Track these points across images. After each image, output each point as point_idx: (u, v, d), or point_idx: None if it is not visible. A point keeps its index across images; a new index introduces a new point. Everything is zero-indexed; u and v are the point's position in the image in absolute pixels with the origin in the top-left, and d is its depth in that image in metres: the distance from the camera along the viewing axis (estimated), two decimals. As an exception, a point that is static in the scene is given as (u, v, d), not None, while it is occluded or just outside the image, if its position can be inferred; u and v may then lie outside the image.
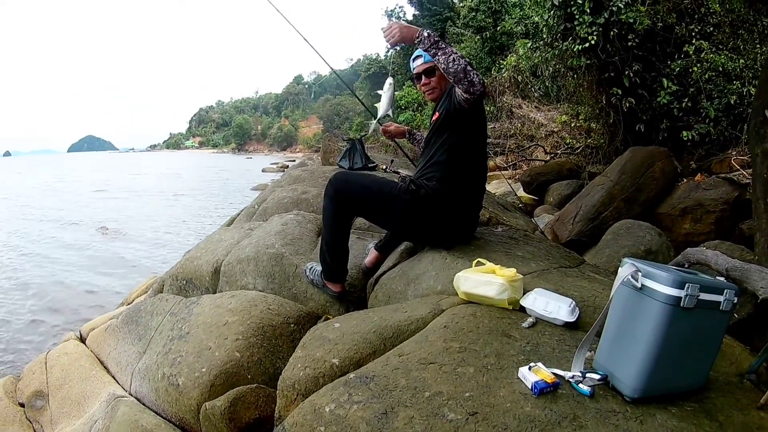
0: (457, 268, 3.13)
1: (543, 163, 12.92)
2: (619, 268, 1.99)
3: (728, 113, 8.51)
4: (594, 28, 8.79)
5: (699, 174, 7.93)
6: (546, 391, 1.89)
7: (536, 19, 10.60)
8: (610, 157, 9.71)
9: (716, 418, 1.90)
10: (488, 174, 4.04)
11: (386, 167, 6.54)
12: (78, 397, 3.76)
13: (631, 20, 8.66)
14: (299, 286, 4.03)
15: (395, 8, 48.81)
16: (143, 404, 3.37)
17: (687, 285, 1.80)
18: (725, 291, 1.91)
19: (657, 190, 7.36)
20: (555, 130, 14.99)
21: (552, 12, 9.32)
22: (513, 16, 24.36)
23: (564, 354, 2.20)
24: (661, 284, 1.83)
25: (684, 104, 8.73)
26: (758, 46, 8.35)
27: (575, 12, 8.86)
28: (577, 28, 8.90)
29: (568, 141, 13.51)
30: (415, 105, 24.02)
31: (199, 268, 4.68)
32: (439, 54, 3.10)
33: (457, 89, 3.18)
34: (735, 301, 1.94)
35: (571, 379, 1.96)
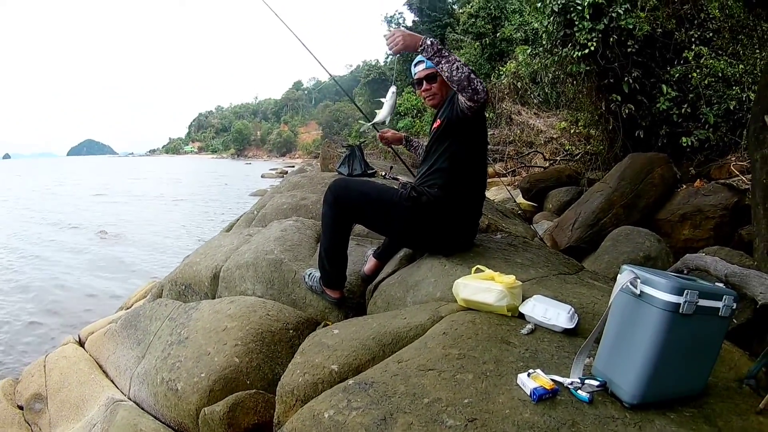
0: (456, 274, 3.14)
1: (542, 169, 12.93)
2: (618, 275, 2.00)
3: (727, 119, 8.51)
4: (593, 35, 8.80)
5: (698, 180, 7.93)
6: (545, 397, 1.89)
7: (536, 25, 10.61)
8: (610, 164, 9.70)
9: (715, 423, 1.90)
10: (487, 181, 4.03)
11: (385, 174, 6.55)
12: (77, 401, 3.75)
13: (631, 26, 8.67)
14: (298, 292, 4.04)
15: (395, 14, 48.94)
16: (142, 408, 3.37)
17: (686, 291, 1.80)
18: (724, 297, 1.92)
19: (656, 196, 7.36)
20: (554, 136, 15.01)
21: (551, 18, 9.33)
22: (512, 23, 24.47)
23: (563, 360, 2.20)
24: (660, 291, 1.83)
25: (683, 110, 8.73)
26: (758, 51, 8.36)
27: (575, 18, 8.87)
28: (577, 34, 8.91)
29: (567, 147, 13.52)
30: (415, 111, 24.08)
31: (198, 273, 4.68)
32: (442, 62, 3.10)
33: (460, 97, 3.18)
34: (734, 307, 1.95)
35: (569, 386, 1.96)
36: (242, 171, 64.75)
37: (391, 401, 1.98)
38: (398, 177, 6.63)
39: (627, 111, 9.02)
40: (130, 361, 3.80)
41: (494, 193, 12.12)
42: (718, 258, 4.12)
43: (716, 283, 2.14)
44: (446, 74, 3.11)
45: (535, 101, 17.80)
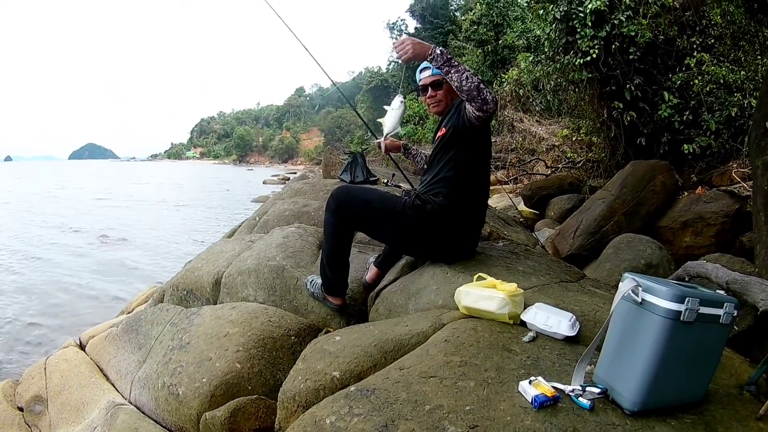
0: (458, 282, 3.14)
1: (544, 177, 12.91)
2: (620, 283, 2.00)
3: (729, 126, 8.50)
4: (595, 42, 8.80)
5: (700, 187, 7.93)
6: (546, 404, 1.89)
7: (538, 32, 10.61)
8: (611, 171, 9.68)
9: (715, 429, 1.91)
10: (490, 188, 4.04)
11: (388, 181, 6.56)
12: (77, 404, 3.76)
13: (633, 33, 8.66)
14: (300, 298, 4.04)
15: (397, 21, 49.01)
16: (143, 413, 3.38)
17: (687, 299, 1.81)
18: (725, 304, 1.93)
19: (658, 203, 7.36)
20: (556, 144, 14.98)
21: (554, 25, 9.34)
22: (515, 30, 24.44)
23: (564, 368, 2.21)
24: (662, 299, 1.84)
25: (685, 117, 8.72)
26: (759, 57, 8.35)
27: (577, 25, 8.87)
28: (579, 41, 8.91)
29: (569, 155, 13.49)
30: (417, 118, 24.10)
31: (199, 278, 4.68)
32: (452, 72, 3.10)
33: (468, 107, 3.17)
34: (735, 314, 1.95)
35: (571, 393, 1.96)
36: (244, 177, 64.82)
37: (393, 408, 1.98)
38: (401, 184, 6.64)
39: (629, 118, 9.02)
40: (131, 365, 3.81)
41: (496, 201, 12.11)
42: (719, 265, 4.13)
43: (717, 291, 2.14)
44: (455, 84, 3.10)
45: (537, 108, 17.78)
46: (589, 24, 8.72)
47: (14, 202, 31.58)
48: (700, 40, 9.02)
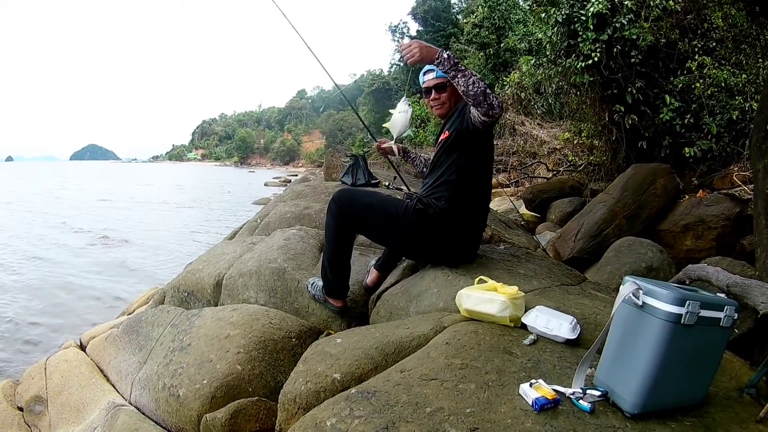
0: (459, 285, 3.14)
1: (545, 180, 12.90)
2: (621, 286, 2.01)
3: (730, 129, 8.49)
4: (597, 45, 8.80)
5: (701, 190, 7.92)
6: (546, 407, 1.90)
7: (540, 35, 10.61)
8: (613, 175, 9.68)
9: (715, 432, 1.91)
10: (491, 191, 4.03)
11: (389, 184, 6.57)
12: (77, 404, 3.77)
13: (635, 36, 8.66)
14: (301, 300, 4.04)
15: (399, 23, 49.04)
16: (143, 414, 3.38)
17: (687, 302, 1.81)
18: (725, 307, 1.93)
19: (659, 207, 7.36)
20: (557, 147, 14.97)
21: (555, 29, 9.34)
22: (516, 33, 24.45)
23: (565, 371, 2.21)
24: (662, 302, 1.84)
25: (686, 120, 8.71)
26: (760, 60, 8.34)
27: (578, 29, 8.88)
28: (581, 44, 8.91)
29: (570, 158, 13.48)
30: (418, 121, 24.11)
31: (200, 280, 4.69)
32: (458, 76, 3.10)
33: (474, 111, 3.17)
34: (735, 317, 1.96)
35: (571, 396, 1.97)
36: (245, 179, 64.83)
37: (394, 410, 1.98)
38: (402, 187, 6.65)
39: (630, 122, 9.02)
40: (132, 366, 3.82)
41: (497, 204, 12.10)
42: (719, 268, 4.13)
43: (718, 294, 2.14)
44: (462, 88, 3.10)
45: (538, 112, 17.78)
46: (591, 27, 8.73)
47: (16, 202, 31.57)
48: (702, 43, 9.02)
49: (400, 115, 3.82)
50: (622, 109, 9.02)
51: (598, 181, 10.86)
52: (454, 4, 47.73)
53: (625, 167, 8.63)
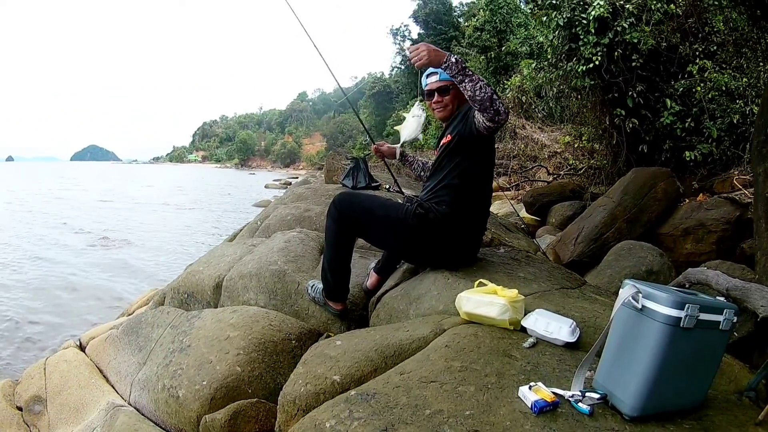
0: (459, 288, 3.14)
1: (545, 183, 12.94)
2: (620, 290, 2.01)
3: (731, 133, 8.50)
4: (598, 49, 8.82)
5: (701, 194, 7.94)
6: (546, 409, 1.90)
7: (541, 39, 10.65)
8: (613, 178, 9.70)
9: (714, 435, 1.91)
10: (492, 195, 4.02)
11: (390, 187, 6.57)
12: (76, 404, 3.77)
13: (636, 40, 8.68)
14: (301, 303, 4.04)
15: (401, 26, 49.04)
16: (142, 414, 3.38)
17: (687, 306, 1.81)
18: (725, 311, 1.93)
19: (659, 210, 7.37)
20: (558, 150, 14.98)
21: (557, 32, 9.36)
22: (518, 36, 24.48)
23: (564, 374, 2.21)
24: (662, 305, 1.84)
25: (687, 124, 8.73)
26: (761, 64, 8.34)
27: (580, 32, 8.89)
28: (582, 48, 8.93)
29: (571, 162, 13.48)
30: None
31: (200, 282, 4.69)
32: (466, 81, 3.08)
33: (480, 116, 3.16)
34: (734, 321, 1.96)
35: (570, 398, 1.97)
36: (246, 181, 64.87)
37: (393, 412, 1.98)
38: (402, 190, 6.65)
39: (631, 125, 9.04)
40: (131, 367, 3.82)
41: (497, 207, 12.11)
42: (719, 272, 4.14)
43: (717, 297, 2.14)
44: (469, 93, 3.09)
45: (539, 115, 17.78)
46: (592, 31, 8.75)
47: (17, 202, 31.64)
48: (703, 47, 9.04)
49: (413, 119, 3.80)
50: (623, 112, 9.04)
51: (598, 184, 10.87)
52: (456, 7, 47.77)
53: (626, 171, 8.65)
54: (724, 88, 8.54)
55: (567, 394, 1.99)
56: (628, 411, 1.90)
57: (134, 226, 20.74)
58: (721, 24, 8.77)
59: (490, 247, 4.61)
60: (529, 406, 1.93)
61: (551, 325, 2.55)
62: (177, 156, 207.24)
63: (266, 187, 47.81)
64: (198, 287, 4.67)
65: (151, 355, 3.75)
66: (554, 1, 9.30)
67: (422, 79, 3.82)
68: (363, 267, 4.39)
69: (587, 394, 1.97)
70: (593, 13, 8.65)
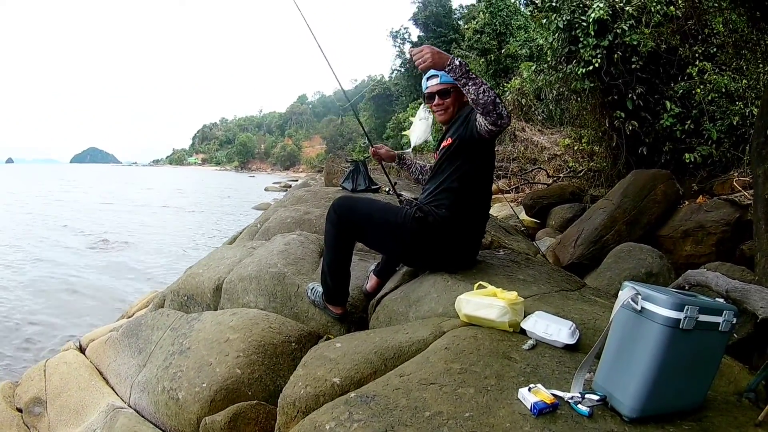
0: (458, 290, 3.14)
1: (545, 186, 12.93)
2: (620, 291, 2.01)
3: (730, 134, 8.50)
4: (598, 51, 8.82)
5: (701, 196, 7.94)
6: (545, 411, 1.90)
7: (541, 41, 10.64)
8: (613, 181, 9.69)
9: (713, 436, 1.91)
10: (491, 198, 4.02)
11: (389, 189, 6.57)
12: (76, 406, 3.77)
13: (635, 42, 8.68)
14: (301, 305, 4.04)
15: (400, 29, 49.05)
16: (142, 416, 3.38)
17: (686, 307, 1.81)
18: (724, 312, 1.94)
19: (659, 212, 7.37)
20: (558, 153, 14.99)
21: (557, 35, 9.36)
22: (518, 39, 24.51)
23: (564, 375, 2.21)
24: (661, 307, 1.84)
25: (687, 126, 8.73)
26: (761, 66, 8.33)
27: (580, 35, 8.90)
28: (582, 50, 8.93)
29: (570, 164, 13.49)
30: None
31: (200, 284, 4.69)
32: (469, 84, 3.08)
33: (482, 120, 3.16)
34: (734, 322, 1.97)
35: (570, 400, 1.97)
36: (246, 184, 64.92)
37: (393, 414, 1.98)
38: (402, 193, 6.66)
39: (630, 127, 9.03)
40: (131, 369, 3.82)
41: (497, 210, 12.10)
42: (719, 273, 4.14)
43: (717, 299, 2.14)
44: (472, 96, 3.08)
45: (539, 118, 17.78)
46: (592, 33, 8.76)
47: (18, 204, 31.63)
48: (702, 49, 9.04)
49: (421, 122, 3.79)
50: (623, 115, 9.04)
51: (598, 187, 10.87)
52: (456, 9, 47.82)
53: (626, 173, 8.64)
54: (723, 90, 8.55)
55: (566, 395, 1.99)
56: (627, 412, 1.90)
57: (134, 228, 20.75)
58: (721, 26, 8.77)
59: (490, 250, 4.61)
60: (529, 407, 1.93)
61: (551, 327, 2.56)
62: (177, 158, 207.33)
63: (266, 189, 47.87)
64: (198, 290, 4.68)
65: (151, 357, 3.75)
66: (554, 4, 9.30)
67: (423, 82, 3.82)
68: (363, 269, 4.39)
69: (587, 395, 1.97)
70: (593, 15, 8.65)
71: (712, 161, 8.65)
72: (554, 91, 11.45)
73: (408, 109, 32.68)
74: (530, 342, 2.52)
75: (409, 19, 47.96)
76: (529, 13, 20.85)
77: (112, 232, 18.86)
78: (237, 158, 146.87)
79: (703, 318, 1.86)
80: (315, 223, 5.81)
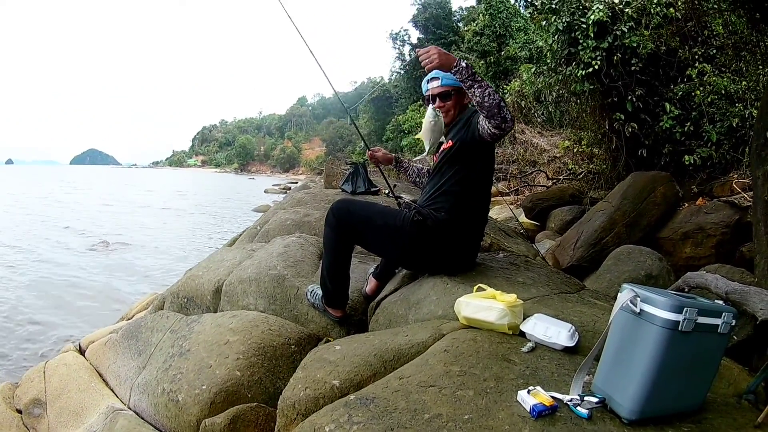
0: (458, 293, 3.15)
1: (545, 188, 12.92)
2: (619, 294, 2.01)
3: (730, 136, 8.49)
4: (597, 53, 8.82)
5: (700, 198, 7.93)
6: (544, 413, 1.90)
7: (540, 43, 10.65)
8: (612, 183, 9.68)
9: (713, 438, 1.92)
10: (491, 200, 4.02)
11: (389, 192, 6.58)
12: (76, 408, 3.77)
13: (635, 44, 8.67)
14: (300, 308, 4.04)
15: (400, 31, 49.00)
16: (142, 418, 3.38)
17: (685, 309, 1.82)
18: (723, 314, 1.94)
19: (658, 214, 7.37)
20: (557, 155, 14.98)
21: (556, 36, 9.36)
22: (517, 41, 24.54)
23: (563, 378, 2.21)
24: (660, 309, 1.85)
25: (686, 128, 8.72)
26: (760, 67, 8.32)
27: (579, 36, 8.89)
28: (581, 52, 8.92)
29: (570, 166, 13.49)
30: (419, 129, 24.19)
31: (200, 286, 4.69)
32: (475, 86, 3.07)
33: (486, 123, 3.17)
34: (733, 324, 1.97)
35: (569, 402, 1.97)
36: (245, 186, 64.96)
37: (392, 416, 1.98)
38: (402, 195, 6.66)
39: (630, 130, 9.03)
40: (131, 371, 3.82)
41: (497, 212, 12.09)
42: (719, 275, 4.15)
43: (716, 301, 2.15)
44: (477, 99, 3.08)
45: (538, 120, 17.78)
46: (592, 35, 8.75)
47: (19, 205, 31.62)
48: (702, 50, 9.03)
49: (431, 124, 3.79)
50: (622, 117, 9.04)
51: (597, 189, 10.87)
52: (455, 11, 47.77)
53: (625, 175, 8.64)
54: (723, 92, 8.54)
55: (566, 398, 1.99)
56: (626, 414, 1.90)
57: (135, 229, 20.75)
58: (721, 27, 8.77)
59: (489, 252, 4.62)
60: (528, 410, 1.93)
61: (550, 330, 2.56)
62: (176, 160, 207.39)
63: (266, 191, 47.87)
64: (197, 292, 4.68)
65: (150, 359, 3.75)
66: (553, 6, 9.29)
67: (423, 84, 3.82)
68: (362, 272, 4.39)
69: (586, 398, 1.97)
70: (592, 17, 8.65)
71: (712, 163, 8.65)
72: (554, 93, 11.44)
73: (408, 111, 32.64)
74: (529, 344, 2.52)
75: (409, 21, 48.00)
76: (528, 15, 20.89)
77: (112, 234, 18.84)
78: (236, 160, 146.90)
79: (702, 320, 1.86)
80: (315, 225, 5.81)
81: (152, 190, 54.24)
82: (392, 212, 3.63)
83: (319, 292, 3.88)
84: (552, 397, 1.98)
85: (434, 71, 3.51)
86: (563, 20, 9.00)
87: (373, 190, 7.44)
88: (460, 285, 3.36)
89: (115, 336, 4.41)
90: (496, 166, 4.60)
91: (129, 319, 6.21)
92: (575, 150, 12.91)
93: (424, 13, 45.59)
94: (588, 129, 11.30)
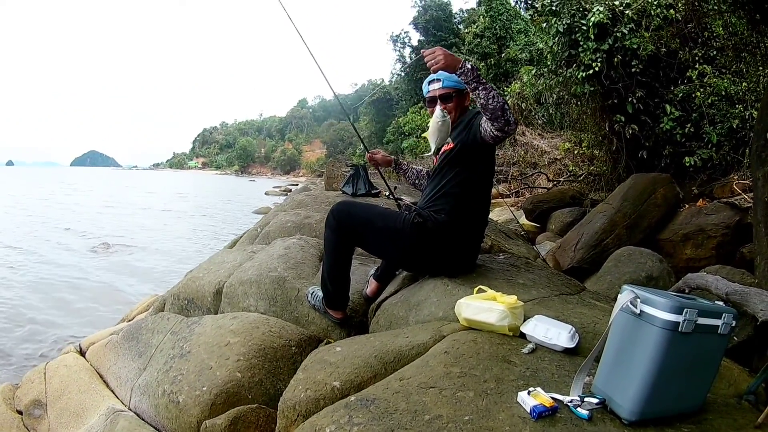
0: (458, 295, 3.15)
1: (545, 190, 12.91)
2: (619, 295, 2.01)
3: (730, 137, 8.48)
4: (598, 55, 8.82)
5: (701, 199, 7.92)
6: (544, 414, 1.90)
7: (541, 45, 10.65)
8: (613, 184, 9.67)
9: (713, 439, 1.92)
10: (491, 202, 4.02)
11: (389, 194, 6.59)
12: (76, 409, 3.77)
13: (635, 46, 8.67)
14: (301, 309, 4.05)
15: (401, 33, 48.98)
16: (142, 419, 3.38)
17: (685, 310, 1.82)
18: (723, 315, 1.94)
19: (659, 216, 7.36)
20: (558, 157, 14.97)
21: (556, 38, 9.36)
22: (518, 43, 24.55)
23: (563, 379, 2.22)
24: (660, 310, 1.85)
25: (687, 130, 8.71)
26: (761, 68, 8.32)
27: (579, 38, 8.89)
28: (581, 54, 8.92)
29: (570, 168, 13.48)
30: (419, 131, 24.16)
31: (201, 288, 4.69)
32: (479, 88, 3.07)
33: (488, 125, 3.17)
34: (733, 325, 1.97)
35: (569, 404, 1.97)
36: (246, 188, 64.89)
37: (393, 418, 1.99)
38: (402, 197, 6.67)
39: (630, 131, 9.03)
40: (131, 373, 3.82)
41: (497, 214, 12.08)
42: (719, 277, 4.14)
43: (716, 302, 2.15)
44: (481, 101, 3.08)
45: (539, 122, 17.78)
46: (592, 37, 8.75)
47: (20, 207, 31.63)
48: (702, 52, 9.03)
49: (437, 125, 3.79)
50: (623, 118, 9.03)
51: (598, 191, 10.86)
52: (456, 14, 47.75)
53: (626, 177, 8.64)
54: (723, 93, 8.53)
55: (566, 399, 2.00)
56: (626, 415, 1.90)
57: (136, 231, 20.74)
58: (721, 29, 8.77)
59: (490, 254, 4.63)
60: (528, 411, 1.93)
61: (550, 331, 2.56)
62: (177, 162, 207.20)
63: (266, 194, 47.82)
64: (198, 293, 4.68)
65: (151, 360, 3.75)
66: (554, 8, 9.29)
67: (424, 86, 3.82)
68: (363, 274, 4.40)
69: (586, 399, 1.98)
70: (593, 19, 8.65)
71: (712, 164, 8.64)
72: (554, 95, 11.44)
73: (408, 113, 32.65)
74: (530, 346, 2.52)
75: (410, 23, 47.90)
76: (529, 17, 20.90)
77: (113, 235, 18.84)
78: (237, 162, 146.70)
79: (702, 321, 1.87)
80: (315, 227, 5.81)
81: (153, 191, 54.23)
82: (392, 214, 3.63)
83: (320, 293, 3.88)
84: (552, 398, 1.98)
85: (436, 73, 3.51)
86: (564, 22, 9.00)
87: (373, 192, 7.45)
88: (461, 287, 3.36)
89: (116, 337, 4.41)
90: (496, 168, 4.60)
91: (130, 321, 6.22)
92: (576, 152, 12.91)
93: (424, 15, 45.57)
94: (588, 131, 11.30)
